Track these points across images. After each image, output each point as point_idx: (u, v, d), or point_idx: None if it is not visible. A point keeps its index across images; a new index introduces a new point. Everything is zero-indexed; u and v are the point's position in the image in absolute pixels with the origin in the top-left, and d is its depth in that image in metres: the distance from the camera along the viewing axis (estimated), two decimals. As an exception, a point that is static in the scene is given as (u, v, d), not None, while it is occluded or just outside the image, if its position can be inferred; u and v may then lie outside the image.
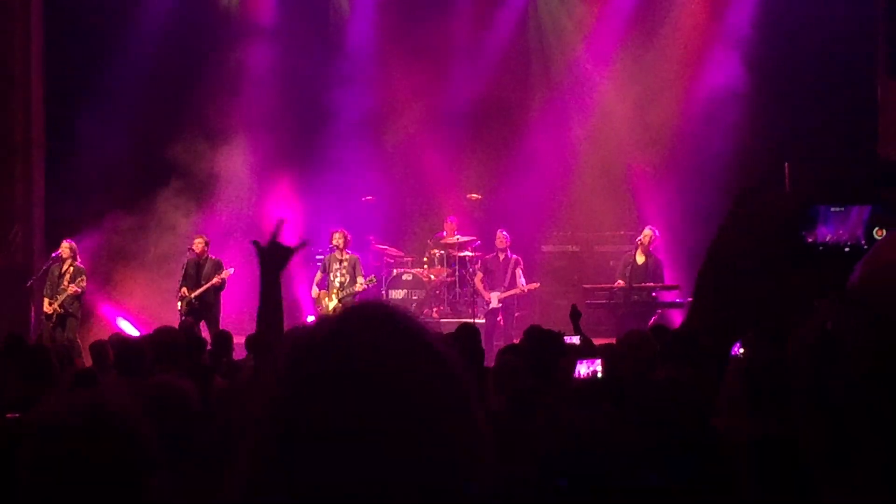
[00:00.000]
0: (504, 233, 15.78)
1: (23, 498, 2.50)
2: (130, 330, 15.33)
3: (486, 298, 15.65)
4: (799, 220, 1.69)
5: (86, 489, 2.49)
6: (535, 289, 15.85)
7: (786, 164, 13.96)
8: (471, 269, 16.47)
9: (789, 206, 1.69)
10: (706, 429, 2.48)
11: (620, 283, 14.72)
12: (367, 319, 1.49)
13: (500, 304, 15.52)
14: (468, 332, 7.42)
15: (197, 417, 4.07)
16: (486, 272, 15.87)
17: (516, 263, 15.70)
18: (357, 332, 1.45)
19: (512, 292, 15.56)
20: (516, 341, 8.87)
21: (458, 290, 16.84)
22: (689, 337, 1.70)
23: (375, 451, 1.38)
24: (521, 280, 15.62)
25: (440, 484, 1.39)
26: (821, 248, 1.67)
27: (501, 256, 15.77)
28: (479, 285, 15.88)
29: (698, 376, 1.72)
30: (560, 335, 9.13)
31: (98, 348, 9.17)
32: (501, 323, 15.54)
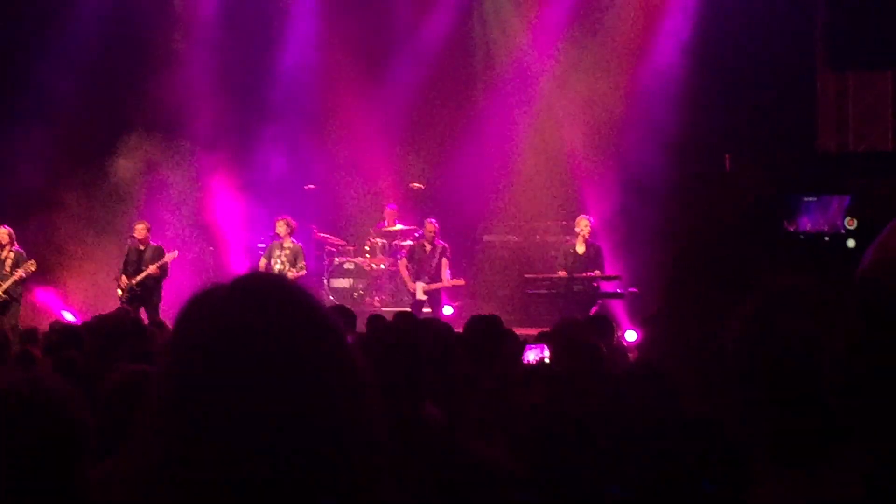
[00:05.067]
0: (433, 222, 15.66)
1: None
2: (69, 317, 15.15)
3: (411, 288, 15.54)
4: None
5: (16, 468, 2.42)
6: (461, 285, 15.77)
7: (726, 155, 14.13)
8: (398, 257, 16.44)
9: None
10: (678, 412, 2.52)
11: (562, 273, 14.78)
12: (253, 290, 1.52)
13: (426, 297, 15.43)
14: (406, 318, 7.40)
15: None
16: (412, 260, 15.75)
17: (443, 252, 15.59)
18: (244, 303, 1.49)
19: (437, 285, 15.44)
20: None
21: (399, 279, 16.79)
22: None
23: (267, 417, 1.42)
24: (447, 272, 15.48)
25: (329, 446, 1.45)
26: (801, 236, 1.71)
27: (428, 247, 15.62)
28: (405, 272, 15.72)
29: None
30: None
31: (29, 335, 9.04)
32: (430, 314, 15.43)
